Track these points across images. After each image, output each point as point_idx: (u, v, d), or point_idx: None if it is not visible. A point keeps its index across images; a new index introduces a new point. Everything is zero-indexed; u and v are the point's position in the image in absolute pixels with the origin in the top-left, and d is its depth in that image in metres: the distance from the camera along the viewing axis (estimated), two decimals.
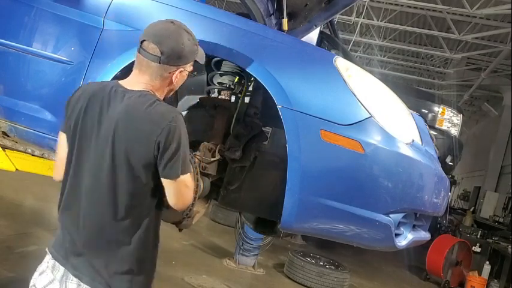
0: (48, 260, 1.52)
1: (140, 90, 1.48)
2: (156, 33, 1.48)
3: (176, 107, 2.26)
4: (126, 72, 1.85)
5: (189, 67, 1.57)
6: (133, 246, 1.48)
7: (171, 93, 1.61)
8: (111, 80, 1.81)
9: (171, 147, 1.41)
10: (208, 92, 2.13)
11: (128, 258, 1.48)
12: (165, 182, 1.46)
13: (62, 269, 1.48)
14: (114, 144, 1.43)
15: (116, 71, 1.83)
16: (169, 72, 1.50)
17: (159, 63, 1.46)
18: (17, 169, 2.12)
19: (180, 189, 1.48)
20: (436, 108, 4.28)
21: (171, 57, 1.47)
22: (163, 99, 1.56)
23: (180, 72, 1.52)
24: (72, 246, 1.48)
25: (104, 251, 1.48)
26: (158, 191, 1.50)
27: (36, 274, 1.54)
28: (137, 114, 1.43)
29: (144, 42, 1.47)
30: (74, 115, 1.51)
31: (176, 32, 1.50)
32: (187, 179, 1.48)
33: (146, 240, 1.52)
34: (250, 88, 2.07)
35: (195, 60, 1.59)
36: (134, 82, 1.50)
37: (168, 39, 1.47)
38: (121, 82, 1.52)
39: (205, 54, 1.83)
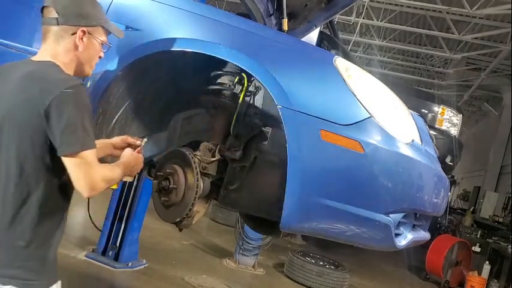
0: None
1: (41, 61, 1.38)
2: None
3: (175, 109, 2.27)
4: (126, 73, 1.86)
5: (99, 34, 1.45)
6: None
7: (86, 67, 1.47)
8: (112, 79, 1.81)
9: (63, 117, 1.24)
10: (209, 92, 2.13)
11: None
12: (63, 160, 1.28)
13: None
14: (5, 118, 1.30)
15: (116, 71, 1.83)
16: (71, 34, 1.39)
17: (57, 24, 1.37)
18: None
19: (79, 169, 1.28)
20: (435, 108, 4.28)
21: (69, 16, 1.38)
22: (76, 73, 1.44)
23: (84, 33, 1.40)
24: None
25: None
26: (52, 177, 1.33)
27: None
28: (29, 83, 1.30)
29: (44, 10, 1.40)
30: None
31: None
32: (87, 156, 1.29)
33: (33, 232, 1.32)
34: (251, 88, 2.07)
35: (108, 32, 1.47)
36: (40, 54, 1.41)
37: None
38: (32, 57, 1.43)
39: (205, 54, 1.83)
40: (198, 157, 1.91)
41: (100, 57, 1.52)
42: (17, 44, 1.98)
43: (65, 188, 1.37)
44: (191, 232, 6.26)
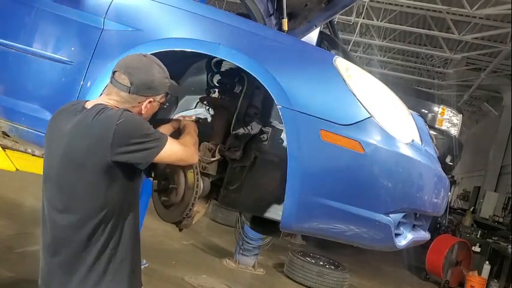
0: None
1: (91, 107, 1.51)
2: (128, 64, 1.55)
3: (176, 109, 2.27)
4: None
5: (160, 99, 1.63)
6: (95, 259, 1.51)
7: None
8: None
9: (130, 141, 1.46)
10: (209, 92, 2.13)
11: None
12: (163, 160, 1.56)
13: None
14: (63, 160, 1.49)
15: None
16: (139, 102, 1.56)
17: (129, 92, 1.53)
18: (17, 169, 2.12)
19: (174, 157, 1.57)
20: (435, 108, 4.28)
21: (140, 88, 1.54)
22: None
23: (150, 102, 1.58)
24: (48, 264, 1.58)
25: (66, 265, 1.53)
26: (122, 197, 1.54)
27: None
28: (85, 126, 1.47)
29: (116, 73, 1.54)
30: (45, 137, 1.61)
31: (147, 65, 1.56)
32: (170, 146, 1.53)
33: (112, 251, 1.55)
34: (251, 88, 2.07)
35: (167, 93, 1.65)
36: (98, 102, 1.55)
37: (138, 70, 1.54)
38: (88, 102, 1.57)
39: (206, 55, 1.84)
40: (198, 157, 1.91)
41: None
42: (17, 44, 1.98)
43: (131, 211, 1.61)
44: (191, 232, 6.26)
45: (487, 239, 8.49)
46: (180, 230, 1.97)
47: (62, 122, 1.54)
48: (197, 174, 1.82)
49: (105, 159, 1.44)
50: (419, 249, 5.96)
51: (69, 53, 1.93)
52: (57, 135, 1.54)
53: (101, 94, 1.73)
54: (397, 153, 1.77)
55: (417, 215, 2.05)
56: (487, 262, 7.72)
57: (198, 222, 2.52)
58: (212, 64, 2.04)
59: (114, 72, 1.55)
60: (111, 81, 1.55)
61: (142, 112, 1.59)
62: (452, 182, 12.19)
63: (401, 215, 1.84)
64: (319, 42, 4.22)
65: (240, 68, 1.83)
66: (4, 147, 2.10)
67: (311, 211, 1.75)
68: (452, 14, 9.66)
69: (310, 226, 1.79)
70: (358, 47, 13.04)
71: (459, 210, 12.85)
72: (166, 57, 1.90)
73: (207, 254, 5.87)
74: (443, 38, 10.94)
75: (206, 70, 2.13)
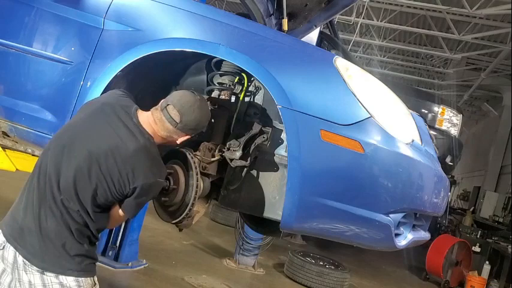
0: None
1: (145, 131, 1.62)
2: (183, 104, 1.65)
3: None
4: (126, 73, 1.86)
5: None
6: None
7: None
8: (112, 79, 1.82)
9: (145, 199, 1.66)
10: (209, 92, 2.13)
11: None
12: (119, 209, 1.65)
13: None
14: (90, 156, 1.54)
15: (116, 71, 1.83)
16: (179, 136, 1.70)
17: (175, 127, 1.65)
18: (17, 169, 2.12)
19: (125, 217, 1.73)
20: (435, 108, 4.29)
21: (187, 128, 1.68)
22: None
23: (187, 139, 1.73)
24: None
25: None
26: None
27: None
28: (126, 155, 1.54)
29: (169, 106, 1.64)
30: (77, 115, 1.65)
31: (199, 109, 1.68)
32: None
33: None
34: (251, 88, 2.08)
35: None
36: (144, 121, 1.64)
37: (191, 112, 1.66)
38: (139, 112, 1.65)
39: (205, 55, 1.84)
40: (198, 157, 1.91)
41: None
42: (17, 44, 1.99)
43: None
44: (191, 232, 6.26)
45: (487, 239, 8.49)
46: (180, 230, 1.97)
47: (109, 117, 1.59)
48: (197, 174, 1.82)
49: (120, 191, 1.56)
50: (419, 249, 5.97)
51: (69, 53, 1.93)
52: (99, 125, 1.58)
53: (150, 108, 1.71)
54: (397, 153, 1.77)
55: (417, 215, 2.05)
56: (487, 262, 7.72)
57: (198, 222, 2.52)
58: (212, 64, 2.04)
59: (168, 105, 1.64)
60: (161, 110, 1.63)
61: (177, 143, 1.72)
62: (452, 182, 12.20)
63: (401, 215, 1.84)
64: (319, 42, 4.22)
65: (240, 68, 1.83)
66: (4, 147, 2.10)
67: (311, 211, 1.75)
68: (452, 14, 9.66)
69: (310, 226, 1.79)
70: (358, 47, 13.04)
71: (459, 210, 12.85)
72: (166, 57, 1.90)
73: (207, 254, 5.86)
74: (443, 38, 10.94)
75: (206, 70, 2.13)
